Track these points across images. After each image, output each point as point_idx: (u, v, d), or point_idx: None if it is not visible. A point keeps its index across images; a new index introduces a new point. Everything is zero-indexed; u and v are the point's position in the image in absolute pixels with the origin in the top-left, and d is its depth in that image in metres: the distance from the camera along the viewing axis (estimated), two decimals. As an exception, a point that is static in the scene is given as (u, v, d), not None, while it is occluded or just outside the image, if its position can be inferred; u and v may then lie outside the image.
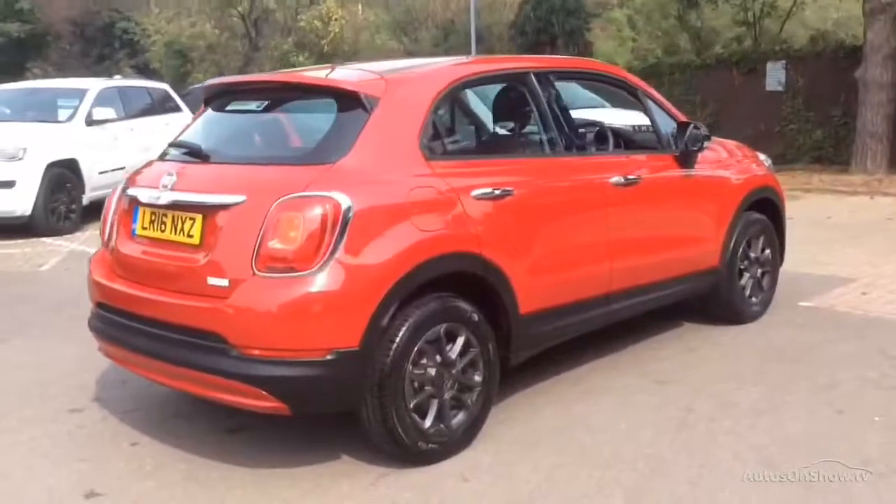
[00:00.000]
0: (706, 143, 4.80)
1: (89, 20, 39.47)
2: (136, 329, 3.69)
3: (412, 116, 3.69)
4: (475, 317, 3.72)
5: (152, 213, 3.75)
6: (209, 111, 4.22)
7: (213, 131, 4.01)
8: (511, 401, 4.29)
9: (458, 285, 3.72)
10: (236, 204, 3.42)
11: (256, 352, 3.29)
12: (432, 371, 3.58)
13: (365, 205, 3.38)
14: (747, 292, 5.47)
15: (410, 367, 3.49)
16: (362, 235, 3.35)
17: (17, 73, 36.03)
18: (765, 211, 5.59)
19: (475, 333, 3.73)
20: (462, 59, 4.27)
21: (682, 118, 4.97)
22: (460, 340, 3.68)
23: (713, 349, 5.03)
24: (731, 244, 5.26)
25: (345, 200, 3.33)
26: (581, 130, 4.61)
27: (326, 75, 3.89)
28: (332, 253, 3.28)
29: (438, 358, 3.60)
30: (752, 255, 5.49)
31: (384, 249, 3.39)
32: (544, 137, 4.28)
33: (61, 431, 4.11)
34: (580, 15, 20.39)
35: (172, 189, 3.67)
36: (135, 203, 3.86)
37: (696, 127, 4.77)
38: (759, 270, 5.56)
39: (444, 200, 3.61)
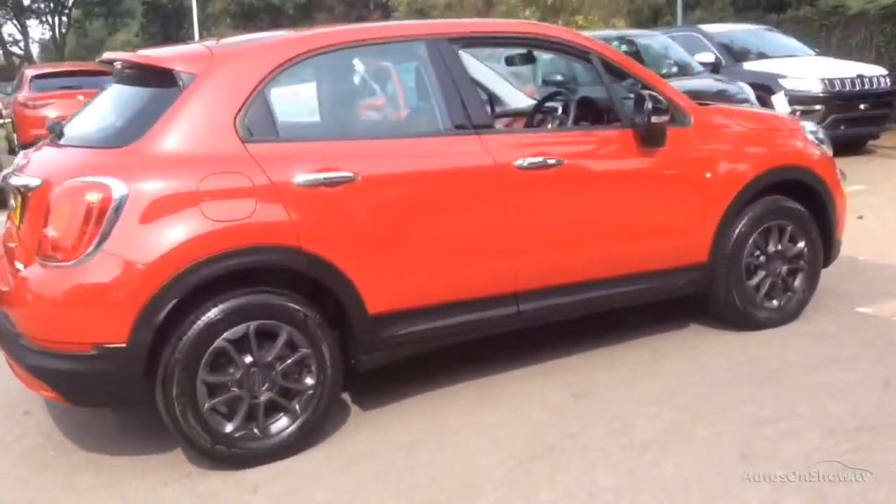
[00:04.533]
0: (660, 118, 3.98)
1: (349, -18, 41.74)
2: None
3: (233, 94, 3.41)
4: (302, 315, 3.41)
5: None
6: None
7: (83, 111, 3.98)
8: (402, 405, 3.93)
9: (294, 281, 3.45)
10: (36, 187, 3.38)
11: (34, 341, 3.26)
12: (238, 372, 3.34)
13: (145, 192, 3.20)
14: (761, 293, 4.54)
15: (206, 367, 3.28)
16: (137, 225, 3.17)
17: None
18: (802, 196, 4.59)
19: (304, 333, 3.43)
20: (338, 28, 3.84)
21: (662, 91, 4.14)
22: (281, 340, 3.40)
23: (684, 361, 4.25)
24: (733, 235, 4.39)
25: (119, 187, 3.17)
26: (494, 104, 4.03)
27: (168, 52, 3.69)
28: (99, 243, 3.14)
29: (249, 358, 3.35)
30: (772, 248, 4.54)
31: (162, 240, 3.18)
32: (425, 115, 3.80)
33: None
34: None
35: (15, 170, 3.72)
36: None
37: (653, 98, 3.97)
38: (786, 267, 4.60)
39: (253, 188, 3.32)
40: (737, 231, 4.40)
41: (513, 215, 3.79)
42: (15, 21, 52.38)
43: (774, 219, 4.52)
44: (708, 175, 4.27)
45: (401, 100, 3.96)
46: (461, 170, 3.74)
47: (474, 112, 3.81)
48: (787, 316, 4.64)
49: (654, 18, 21.87)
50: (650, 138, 4.10)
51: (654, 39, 11.98)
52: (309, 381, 3.48)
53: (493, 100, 5.25)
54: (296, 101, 3.65)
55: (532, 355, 4.36)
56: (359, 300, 3.52)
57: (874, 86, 11.20)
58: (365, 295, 3.53)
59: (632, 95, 4.14)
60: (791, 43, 12.95)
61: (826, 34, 15.63)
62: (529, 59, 4.78)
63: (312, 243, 3.40)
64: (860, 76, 11.14)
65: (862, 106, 11.01)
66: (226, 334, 3.30)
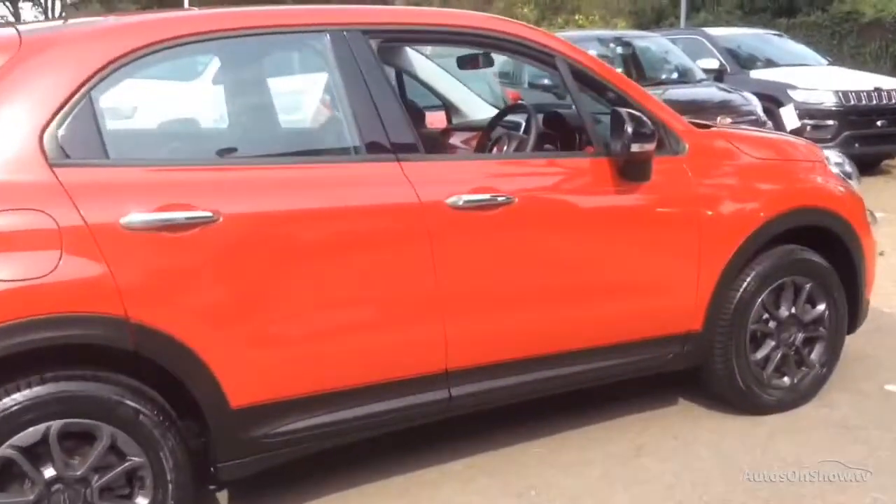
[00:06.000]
0: (643, 145, 3.00)
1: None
2: None
3: (44, 97, 2.43)
4: (132, 410, 2.44)
5: None
6: None
7: None
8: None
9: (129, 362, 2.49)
10: None
11: None
12: (33, 490, 2.37)
13: None
14: (769, 368, 3.57)
15: (-15, 485, 2.31)
16: None
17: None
18: (823, 245, 3.62)
19: (135, 435, 2.46)
20: (206, 11, 2.81)
21: (648, 108, 3.17)
22: (100, 445, 2.42)
23: (669, 460, 3.27)
24: (737, 295, 3.41)
25: None
26: (450, 115, 3.03)
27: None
28: None
29: (50, 471, 2.38)
30: (785, 312, 3.56)
31: None
32: (325, 133, 2.83)
33: None
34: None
35: None
36: None
37: (635, 119, 2.99)
38: (801, 336, 3.62)
39: (58, 232, 2.33)
40: (741, 290, 3.42)
41: (443, 270, 2.81)
42: (7, 3, 51.11)
43: (789, 274, 3.54)
44: (706, 217, 3.29)
45: (291, 111, 2.97)
46: (371, 209, 2.75)
47: (394, 129, 2.82)
48: (800, 396, 3.67)
49: (656, 20, 20.86)
50: (630, 170, 3.11)
51: (653, 42, 10.98)
52: (141, 500, 2.51)
53: (448, 109, 4.29)
54: (137, 111, 2.65)
55: (480, 440, 3.39)
56: (216, 389, 2.55)
57: (892, 100, 10.19)
58: (225, 381, 2.55)
59: (608, 113, 3.15)
60: (802, 50, 11.96)
61: (838, 42, 14.68)
62: (487, 61, 3.79)
63: (146, 311, 2.42)
64: (877, 89, 10.12)
65: (879, 122, 10.00)
66: (13, 439, 2.33)
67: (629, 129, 2.94)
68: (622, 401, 3.69)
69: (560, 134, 3.57)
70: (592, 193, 3.13)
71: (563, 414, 3.57)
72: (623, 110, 3.01)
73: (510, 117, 3.73)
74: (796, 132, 8.95)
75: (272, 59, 3.12)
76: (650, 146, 3.01)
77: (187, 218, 2.46)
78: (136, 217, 2.41)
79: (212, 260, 2.51)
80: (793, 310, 3.58)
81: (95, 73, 2.48)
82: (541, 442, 3.42)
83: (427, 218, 2.78)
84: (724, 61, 10.91)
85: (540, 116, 3.49)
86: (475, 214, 2.86)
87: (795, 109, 9.91)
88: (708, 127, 3.62)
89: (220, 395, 2.55)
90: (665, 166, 3.21)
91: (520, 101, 3.98)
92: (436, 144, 3.90)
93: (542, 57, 3.17)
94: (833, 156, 3.88)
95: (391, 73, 3.38)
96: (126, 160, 2.54)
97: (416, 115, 4.43)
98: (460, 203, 2.82)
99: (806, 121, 9.79)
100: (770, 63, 11.33)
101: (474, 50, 3.54)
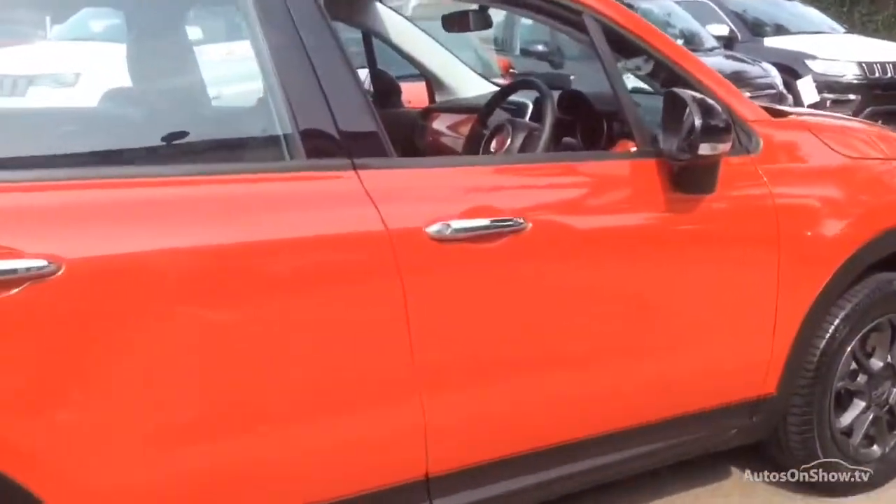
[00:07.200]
0: (716, 146, 2.06)
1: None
2: None
3: None
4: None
5: None
6: None
7: None
8: None
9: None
10: None
11: None
12: None
13: None
14: (857, 436, 2.68)
15: None
16: None
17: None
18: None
19: None
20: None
21: (713, 92, 2.27)
22: None
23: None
24: (821, 343, 2.50)
25: None
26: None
27: None
28: None
29: None
30: (879, 361, 2.68)
31: None
32: (244, 129, 1.88)
33: None
34: None
35: None
36: None
37: (702, 106, 2.05)
38: (896, 392, 2.74)
39: None
40: (827, 337, 2.52)
41: (422, 330, 1.88)
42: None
43: (886, 312, 2.65)
44: (787, 241, 2.37)
45: (192, 93, 2.04)
46: (313, 242, 1.81)
47: (349, 120, 1.87)
48: (891, 470, 2.79)
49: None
50: (689, 178, 2.17)
51: (655, 3, 10.03)
52: None
53: (431, 83, 3.35)
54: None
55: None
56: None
57: (920, 73, 9.31)
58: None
59: (652, 93, 2.22)
60: (816, 16, 11.06)
61: (848, 8, 13.75)
62: (481, 20, 2.81)
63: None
64: (904, 61, 9.24)
65: (904, 97, 9.14)
66: None
67: (696, 122, 1.99)
68: (662, 472, 2.79)
69: (580, 121, 2.63)
70: (634, 211, 2.20)
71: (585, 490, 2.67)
72: (685, 93, 2.06)
73: (514, 97, 2.77)
74: (814, 108, 8.11)
75: (168, 15, 2.14)
76: (725, 146, 2.07)
77: (13, 270, 1.51)
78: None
79: (44, 333, 1.56)
80: (888, 358, 2.69)
81: None
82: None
83: (398, 254, 1.83)
84: (734, 27, 10.00)
85: (555, 96, 2.53)
86: (469, 248, 1.92)
87: (814, 82, 9.02)
88: (785, 114, 2.69)
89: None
90: (733, 170, 2.28)
91: (528, 77, 3.03)
92: (415, 131, 2.96)
93: (565, 14, 2.21)
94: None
95: (345, 34, 2.42)
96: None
97: (391, 88, 3.52)
98: (447, 232, 1.88)
99: (825, 94, 8.94)
100: (781, 30, 10.44)
101: (467, 5, 2.57)
